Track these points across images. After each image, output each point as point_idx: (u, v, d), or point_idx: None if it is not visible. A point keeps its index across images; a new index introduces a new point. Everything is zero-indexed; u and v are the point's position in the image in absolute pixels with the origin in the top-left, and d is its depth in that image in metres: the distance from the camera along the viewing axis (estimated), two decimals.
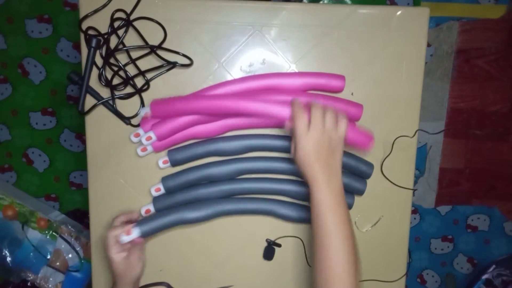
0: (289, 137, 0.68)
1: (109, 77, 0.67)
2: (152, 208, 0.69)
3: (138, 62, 0.67)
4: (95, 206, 0.72)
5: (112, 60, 0.67)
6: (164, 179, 0.68)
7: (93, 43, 0.65)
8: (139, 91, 0.68)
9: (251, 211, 0.69)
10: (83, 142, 1.43)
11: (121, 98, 0.68)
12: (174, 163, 0.68)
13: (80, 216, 1.38)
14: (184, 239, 0.73)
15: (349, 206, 0.71)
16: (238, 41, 0.68)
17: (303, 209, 0.70)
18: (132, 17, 0.66)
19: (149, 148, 0.68)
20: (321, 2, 1.43)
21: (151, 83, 0.68)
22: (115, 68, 0.67)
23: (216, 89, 0.66)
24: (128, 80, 0.67)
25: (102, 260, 0.74)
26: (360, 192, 0.71)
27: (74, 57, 1.39)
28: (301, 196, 0.69)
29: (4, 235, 1.17)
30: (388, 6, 1.41)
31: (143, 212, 0.69)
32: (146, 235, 0.63)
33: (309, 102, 0.56)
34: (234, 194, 0.70)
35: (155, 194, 0.69)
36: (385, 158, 0.72)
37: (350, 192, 0.71)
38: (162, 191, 0.69)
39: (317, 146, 0.53)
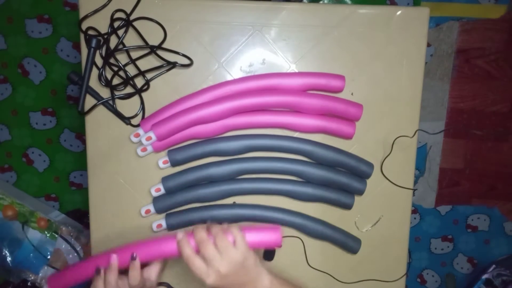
0: (291, 137, 0.69)
1: (109, 77, 0.67)
2: (152, 209, 0.69)
3: (138, 62, 0.67)
4: (95, 206, 0.72)
5: (112, 60, 0.67)
6: (164, 179, 0.68)
7: (93, 43, 0.65)
8: (139, 91, 0.68)
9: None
10: (83, 142, 1.43)
11: (121, 98, 0.68)
12: (174, 163, 0.68)
13: (80, 216, 1.38)
14: None
15: (349, 206, 0.71)
16: (238, 41, 0.68)
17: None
18: (132, 17, 0.66)
19: (149, 148, 0.68)
20: (321, 2, 1.43)
21: (151, 83, 0.68)
22: (115, 68, 0.67)
23: (216, 89, 0.66)
24: (128, 80, 0.67)
25: None
26: (360, 192, 0.71)
27: (74, 57, 1.39)
28: (302, 196, 0.69)
29: (4, 235, 1.17)
30: (388, 6, 1.41)
31: (143, 212, 0.69)
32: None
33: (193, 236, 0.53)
34: (234, 194, 0.70)
35: (155, 194, 0.69)
36: (385, 158, 0.72)
37: (350, 192, 0.71)
38: (162, 191, 0.69)
39: (225, 279, 0.50)
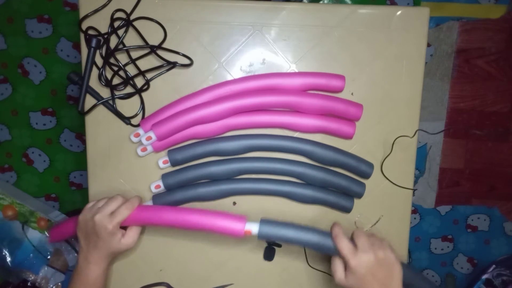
0: (291, 137, 0.69)
1: (109, 77, 0.68)
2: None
3: (138, 62, 0.67)
4: None
5: (112, 60, 0.67)
6: (164, 176, 0.68)
7: (93, 43, 0.65)
8: (139, 91, 0.68)
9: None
10: (83, 142, 1.43)
11: (121, 98, 0.68)
12: (174, 163, 0.68)
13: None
14: (184, 239, 0.73)
15: (349, 210, 0.71)
16: (238, 41, 0.68)
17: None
18: (132, 17, 0.66)
19: (149, 148, 0.68)
20: (321, 2, 1.43)
21: (151, 83, 0.68)
22: (115, 68, 0.67)
23: (216, 89, 0.66)
24: (128, 80, 0.67)
25: None
26: (359, 195, 0.71)
27: (74, 57, 1.39)
28: (301, 198, 0.69)
29: (4, 235, 1.17)
30: (388, 6, 1.41)
31: None
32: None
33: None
34: (234, 194, 0.70)
35: (155, 191, 0.69)
36: (385, 158, 0.72)
37: (349, 195, 0.71)
38: (162, 188, 0.69)
39: (371, 267, 0.52)
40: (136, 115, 0.69)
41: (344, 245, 0.54)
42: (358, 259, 0.52)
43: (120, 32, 0.66)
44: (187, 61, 0.68)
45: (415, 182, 1.50)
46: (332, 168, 0.70)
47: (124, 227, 0.61)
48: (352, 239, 0.56)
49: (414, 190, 0.74)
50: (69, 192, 1.48)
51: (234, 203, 0.72)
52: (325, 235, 0.57)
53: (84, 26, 0.66)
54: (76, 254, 1.18)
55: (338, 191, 0.71)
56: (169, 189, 0.69)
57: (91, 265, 0.58)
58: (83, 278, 0.58)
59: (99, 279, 0.59)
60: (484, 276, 1.45)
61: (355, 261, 0.52)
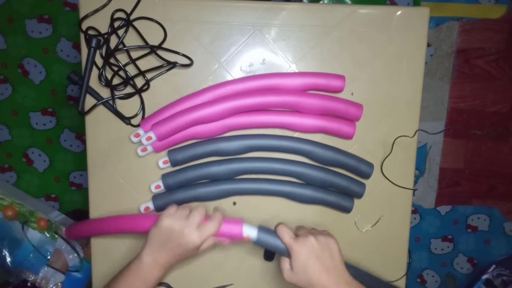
0: (291, 137, 0.69)
1: (109, 77, 0.67)
2: (151, 206, 0.69)
3: (138, 62, 0.67)
4: (95, 206, 0.72)
5: (112, 60, 0.67)
6: (164, 177, 0.68)
7: (93, 43, 0.65)
8: (139, 91, 0.68)
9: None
10: (83, 142, 1.43)
11: (121, 98, 0.68)
12: (174, 163, 0.68)
13: (80, 216, 1.38)
14: None
15: (348, 210, 0.71)
16: (238, 41, 0.68)
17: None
18: (132, 17, 0.66)
19: (149, 148, 0.68)
20: (321, 2, 1.43)
21: (151, 83, 0.68)
22: (115, 68, 0.67)
23: (216, 89, 0.66)
24: (128, 80, 0.67)
25: (102, 260, 0.74)
26: (359, 195, 0.71)
27: (74, 57, 1.39)
28: (301, 198, 0.69)
29: (4, 235, 1.17)
30: (388, 6, 1.41)
31: (142, 209, 0.69)
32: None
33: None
34: (234, 194, 0.70)
35: (155, 191, 0.69)
36: (385, 158, 0.72)
37: (349, 195, 0.71)
38: (162, 188, 0.69)
39: (312, 249, 0.54)
40: (136, 115, 0.69)
41: (285, 233, 0.56)
42: (300, 243, 0.54)
43: (120, 32, 0.66)
44: (187, 61, 0.68)
45: (415, 182, 1.50)
46: (332, 168, 0.70)
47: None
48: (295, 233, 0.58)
49: (414, 190, 0.74)
50: (69, 192, 1.48)
51: (234, 203, 0.72)
52: (272, 233, 0.59)
53: (84, 26, 0.66)
54: (76, 255, 1.18)
55: (338, 191, 0.70)
56: (169, 189, 0.69)
57: (159, 267, 0.58)
58: (146, 275, 0.57)
59: (159, 280, 0.60)
60: (484, 276, 1.45)
61: (297, 246, 0.54)
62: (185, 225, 0.56)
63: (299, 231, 0.58)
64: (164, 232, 0.57)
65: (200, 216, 0.58)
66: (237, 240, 0.60)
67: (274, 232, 0.59)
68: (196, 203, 0.61)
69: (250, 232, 0.59)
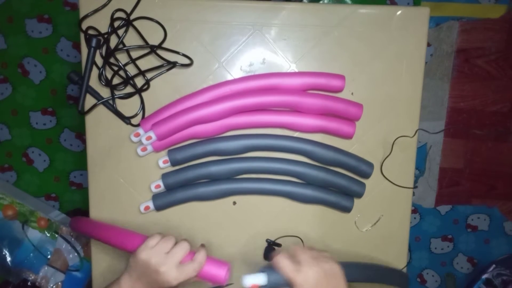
0: (291, 137, 0.69)
1: (109, 77, 0.68)
2: (151, 205, 0.69)
3: (138, 62, 0.67)
4: (95, 206, 0.72)
5: (112, 60, 0.67)
6: (164, 176, 0.68)
7: (93, 43, 0.65)
8: (139, 91, 0.68)
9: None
10: (83, 142, 1.43)
11: (121, 98, 0.68)
12: (174, 163, 0.68)
13: (80, 215, 1.37)
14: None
15: (349, 210, 0.71)
16: (238, 40, 0.68)
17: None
18: (132, 17, 0.66)
19: (149, 148, 0.68)
20: (321, 2, 1.43)
21: (151, 83, 0.68)
22: (115, 68, 0.67)
23: (216, 88, 0.66)
24: (128, 80, 0.67)
25: (102, 260, 0.74)
26: (359, 195, 0.71)
27: (74, 57, 1.39)
28: (301, 198, 0.69)
29: (4, 235, 1.17)
30: (388, 6, 1.41)
31: (142, 209, 0.69)
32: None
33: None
34: (234, 193, 0.70)
35: (155, 190, 0.69)
36: (385, 158, 0.72)
37: (349, 195, 0.71)
38: (162, 188, 0.69)
39: (318, 280, 0.49)
40: (136, 115, 0.69)
41: (285, 265, 0.50)
42: (303, 274, 0.49)
43: (120, 32, 0.66)
44: (187, 61, 0.68)
45: (415, 182, 1.50)
46: (332, 168, 0.70)
47: None
48: (292, 257, 0.53)
49: (414, 188, 0.74)
50: (69, 191, 1.48)
51: (234, 203, 0.72)
52: (271, 270, 0.53)
53: (84, 26, 0.66)
54: (76, 254, 1.18)
55: (338, 191, 0.71)
56: (169, 188, 0.69)
57: None
58: None
59: None
60: (484, 276, 1.45)
61: (301, 277, 0.49)
62: (163, 262, 0.52)
63: (299, 257, 0.51)
64: (141, 264, 0.53)
65: (182, 253, 0.53)
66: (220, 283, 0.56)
67: (271, 269, 0.53)
68: (182, 238, 0.56)
69: (257, 280, 0.53)
